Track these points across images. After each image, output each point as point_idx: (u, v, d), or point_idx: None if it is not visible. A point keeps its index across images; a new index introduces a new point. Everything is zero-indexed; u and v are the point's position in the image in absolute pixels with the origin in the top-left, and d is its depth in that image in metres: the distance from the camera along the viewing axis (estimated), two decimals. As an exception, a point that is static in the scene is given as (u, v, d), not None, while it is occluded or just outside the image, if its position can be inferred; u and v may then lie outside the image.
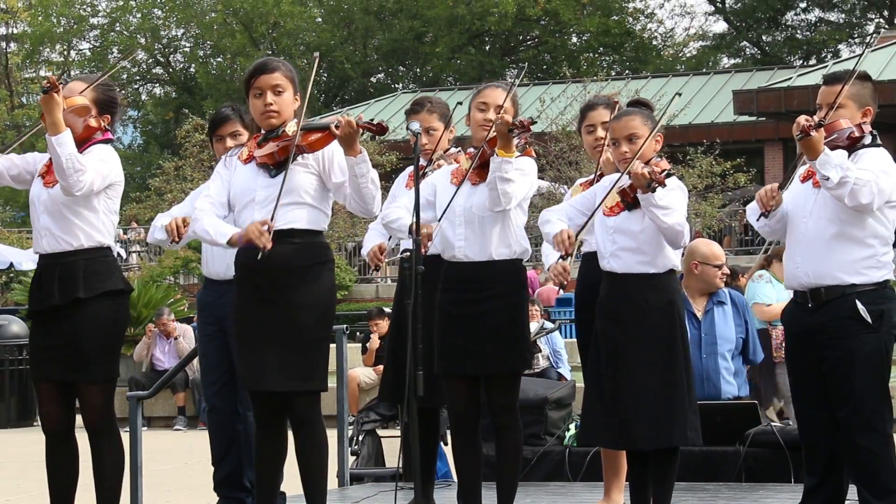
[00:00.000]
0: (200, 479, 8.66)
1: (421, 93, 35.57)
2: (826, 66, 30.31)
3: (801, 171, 5.73)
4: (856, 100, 5.66)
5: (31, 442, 13.00)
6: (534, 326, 14.96)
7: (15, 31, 52.26)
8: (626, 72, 44.18)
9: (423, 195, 5.81)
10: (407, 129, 6.09)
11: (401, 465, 6.80)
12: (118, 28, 51.39)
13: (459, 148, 6.65)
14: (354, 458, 8.84)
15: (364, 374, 15.23)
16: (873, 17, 49.26)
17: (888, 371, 5.66)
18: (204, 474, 7.26)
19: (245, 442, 6.48)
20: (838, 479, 5.68)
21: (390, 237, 6.54)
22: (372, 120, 5.55)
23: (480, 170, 5.89)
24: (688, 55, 50.74)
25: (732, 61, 49.20)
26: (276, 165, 5.51)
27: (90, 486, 5.99)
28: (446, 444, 7.67)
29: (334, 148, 5.51)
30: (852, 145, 5.61)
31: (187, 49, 52.71)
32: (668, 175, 5.62)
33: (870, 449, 5.52)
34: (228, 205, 5.62)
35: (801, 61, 46.52)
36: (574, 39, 49.60)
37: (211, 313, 6.57)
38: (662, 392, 5.67)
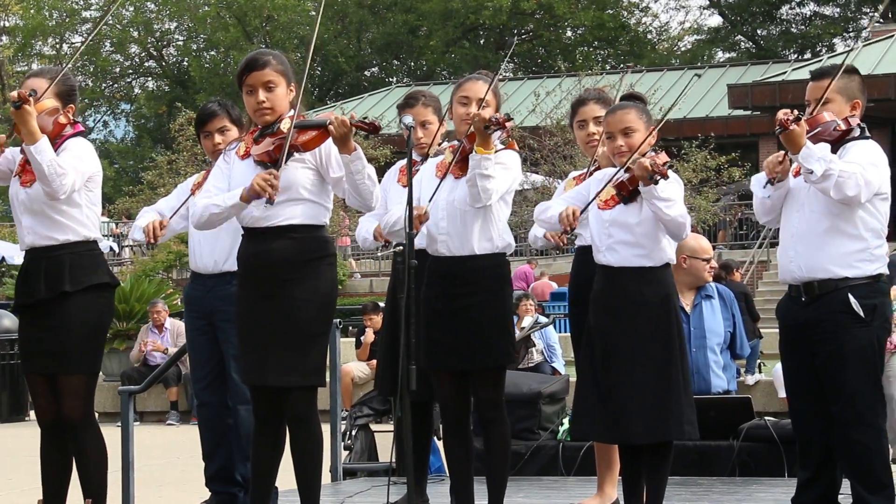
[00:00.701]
0: (193, 474, 8.64)
1: (415, 87, 35.59)
2: (821, 60, 30.34)
3: (794, 165, 5.71)
4: (843, 93, 5.64)
5: (23, 436, 12.99)
6: (528, 321, 14.97)
7: (7, 24, 52.18)
8: (621, 66, 44.18)
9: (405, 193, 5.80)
10: (400, 122, 6.06)
11: (394, 460, 6.79)
12: (111, 21, 51.31)
13: (454, 141, 6.62)
14: (347, 452, 8.82)
15: (358, 368, 15.22)
16: (868, 11, 49.29)
17: (881, 365, 5.65)
18: (196, 469, 7.25)
19: (235, 436, 6.46)
20: (832, 474, 5.67)
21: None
22: (365, 118, 5.53)
23: (462, 164, 5.88)
24: (682, 49, 50.76)
25: (727, 55, 49.23)
26: (272, 162, 5.50)
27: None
28: (440, 438, 7.65)
29: (330, 144, 5.50)
30: (841, 138, 5.59)
31: (180, 43, 52.69)
32: (670, 167, 5.61)
33: (863, 443, 5.52)
34: None
35: (795, 55, 46.59)
36: (569, 33, 49.61)
37: (199, 308, 6.54)
38: (659, 386, 5.65)
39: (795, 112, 5.43)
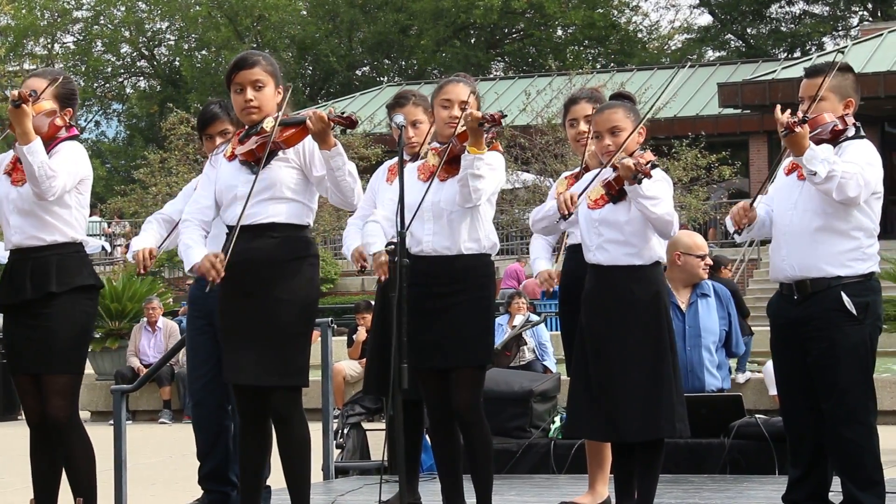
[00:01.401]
0: (185, 473, 8.65)
1: (406, 86, 35.57)
2: (810, 59, 30.38)
3: (785, 163, 5.73)
4: (837, 92, 5.64)
5: (15, 436, 12.98)
6: (519, 319, 14.97)
7: (-2, 24, 52.10)
8: (612, 64, 44.21)
9: (390, 198, 5.81)
10: (391, 121, 6.07)
11: (386, 458, 6.80)
12: (102, 21, 51.27)
13: (434, 144, 6.64)
14: (339, 451, 8.84)
15: (350, 367, 15.22)
16: (857, 9, 49.36)
17: (873, 363, 5.66)
18: (188, 468, 7.26)
19: (234, 436, 6.46)
20: (823, 471, 5.69)
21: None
22: (343, 113, 5.54)
23: (449, 165, 5.89)
24: (673, 48, 50.79)
25: (717, 54, 49.26)
26: (257, 162, 5.51)
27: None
28: (431, 436, 7.67)
29: (308, 140, 5.51)
30: (836, 138, 5.60)
31: (172, 42, 52.62)
32: (654, 166, 5.63)
33: (854, 441, 5.52)
34: (216, 204, 5.62)
35: (785, 54, 46.65)
36: (559, 32, 49.62)
37: (200, 307, 6.55)
38: (650, 384, 5.67)
39: (799, 114, 5.43)
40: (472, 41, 49.74)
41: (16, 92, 5.67)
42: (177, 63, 51.78)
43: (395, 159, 6.41)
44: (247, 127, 5.62)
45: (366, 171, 10.98)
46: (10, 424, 15.77)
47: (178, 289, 24.90)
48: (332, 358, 7.78)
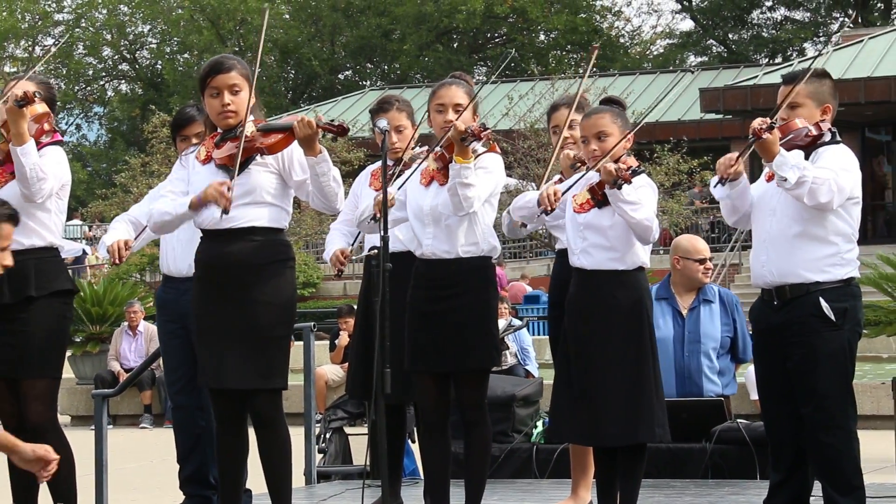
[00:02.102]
0: (166, 478, 8.63)
1: (388, 90, 35.57)
2: (791, 65, 30.47)
3: (767, 170, 5.74)
4: (814, 98, 5.65)
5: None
6: (502, 323, 14.99)
7: (-21, 26, 51.93)
8: (594, 69, 44.25)
9: (392, 190, 5.82)
10: (374, 126, 6.08)
11: (368, 463, 6.80)
12: (84, 24, 51.14)
13: (426, 146, 6.65)
14: (322, 455, 8.82)
15: (332, 371, 15.21)
16: (838, 15, 49.54)
17: (852, 368, 5.67)
18: (170, 472, 7.24)
19: (209, 439, 6.46)
20: (803, 476, 5.70)
21: (354, 241, 6.54)
22: (333, 121, 5.54)
23: (446, 171, 5.91)
24: (655, 53, 50.90)
25: (699, 59, 49.38)
26: (235, 167, 5.50)
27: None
28: (413, 441, 7.67)
29: (294, 146, 5.51)
30: (812, 144, 5.61)
31: (154, 45, 52.52)
32: (636, 173, 5.64)
33: (833, 446, 5.54)
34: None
35: (767, 59, 46.76)
36: (542, 37, 49.67)
37: (172, 311, 6.54)
38: (631, 389, 5.69)
39: (769, 120, 5.44)
40: (455, 46, 49.76)
41: (20, 92, 5.64)
42: (159, 66, 51.68)
43: (378, 164, 6.44)
44: (221, 130, 5.61)
45: (348, 175, 10.96)
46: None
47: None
48: (314, 362, 7.77)
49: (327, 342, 16.33)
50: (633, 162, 5.77)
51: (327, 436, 8.95)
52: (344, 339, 15.19)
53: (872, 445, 7.46)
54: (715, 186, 5.70)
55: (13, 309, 5.82)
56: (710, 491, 7.09)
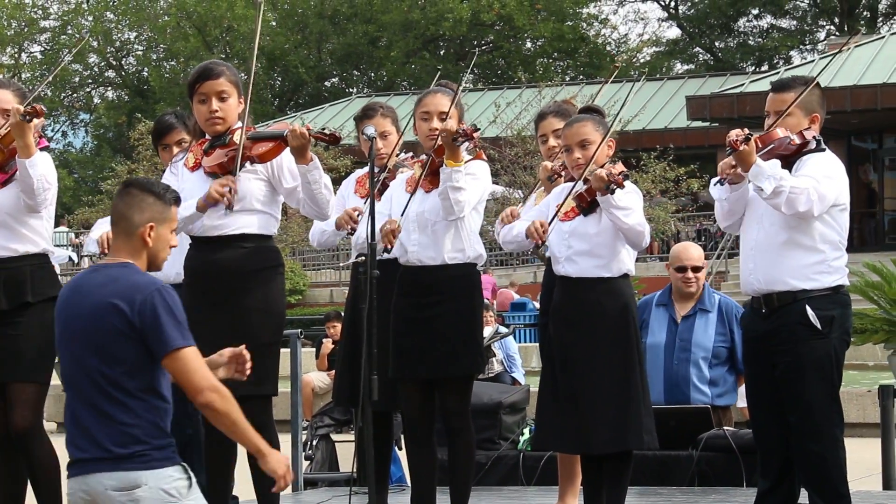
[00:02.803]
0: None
1: (375, 97, 35.58)
2: (778, 73, 30.55)
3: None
4: (803, 107, 5.65)
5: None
6: (488, 331, 14.98)
7: (-35, 33, 51.83)
8: (581, 77, 44.34)
9: (380, 212, 5.82)
10: (362, 133, 6.07)
11: (355, 470, 6.79)
12: (70, 31, 51.06)
13: (411, 153, 6.65)
14: (308, 462, 8.82)
15: (318, 378, 15.17)
16: (824, 24, 49.68)
17: (839, 376, 5.68)
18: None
19: (197, 446, 6.44)
20: (791, 483, 5.70)
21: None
22: (324, 130, 5.54)
23: (432, 177, 5.91)
24: (641, 61, 50.98)
25: (686, 67, 49.48)
26: (225, 174, 5.50)
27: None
28: (400, 448, 7.66)
29: (284, 154, 5.51)
30: (797, 152, 5.61)
31: (140, 52, 52.45)
32: (626, 177, 5.65)
33: (820, 454, 5.54)
34: None
35: (753, 67, 46.90)
36: (528, 45, 49.72)
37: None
38: (618, 396, 5.68)
39: (746, 131, 5.44)
40: (442, 53, 49.79)
41: (31, 106, 5.62)
42: (145, 73, 51.62)
43: (364, 170, 6.44)
44: (209, 138, 5.60)
45: (336, 182, 10.95)
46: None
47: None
48: (301, 369, 7.76)
49: (314, 349, 16.30)
50: (621, 167, 5.77)
51: (314, 443, 8.95)
52: (327, 345, 15.15)
53: (858, 453, 7.46)
54: (715, 185, 5.70)
55: (8, 315, 5.81)
56: (696, 498, 7.09)
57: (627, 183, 5.67)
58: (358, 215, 6.26)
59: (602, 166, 5.74)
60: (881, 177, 31.04)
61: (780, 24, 50.19)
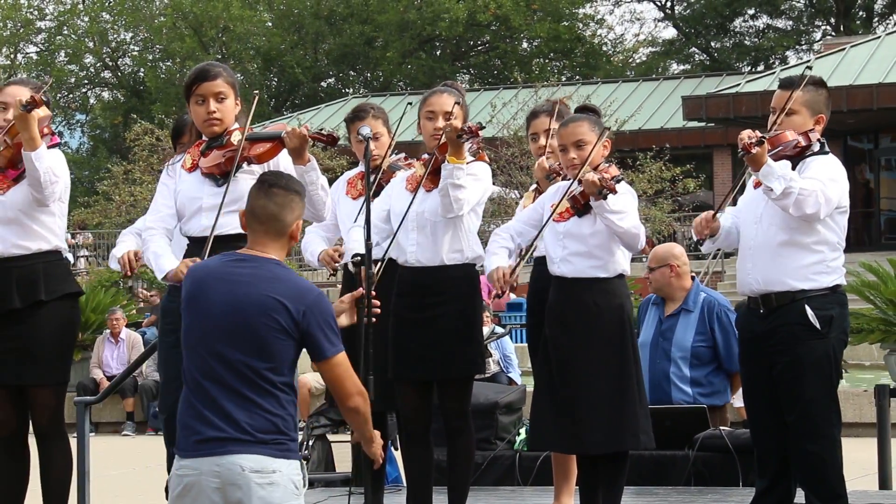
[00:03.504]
0: (149, 485, 8.61)
1: (371, 97, 35.59)
2: (773, 73, 30.56)
3: (755, 176, 5.75)
4: (809, 106, 5.67)
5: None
6: (485, 331, 14.98)
7: (-39, 34, 51.80)
8: (577, 77, 44.35)
9: (379, 208, 5.81)
10: (356, 134, 6.07)
11: (351, 470, 6.79)
12: (66, 31, 51.03)
13: (403, 153, 6.64)
14: (305, 462, 8.80)
15: (314, 378, 15.17)
16: (820, 24, 49.70)
17: (837, 376, 5.68)
18: (152, 480, 7.23)
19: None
20: (788, 483, 5.71)
21: (340, 239, 6.51)
22: (322, 130, 5.54)
23: (433, 176, 5.91)
24: (637, 61, 50.99)
25: (682, 67, 49.48)
26: (223, 175, 5.50)
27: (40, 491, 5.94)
28: (396, 448, 7.66)
29: (281, 155, 5.50)
30: (801, 153, 5.62)
31: (136, 53, 52.42)
32: (619, 180, 5.65)
33: (817, 454, 5.55)
34: (177, 214, 5.60)
35: (749, 67, 46.90)
36: (525, 45, 49.72)
37: (174, 321, 6.50)
38: (614, 396, 5.68)
39: (758, 134, 5.45)
40: (438, 53, 49.77)
41: (30, 96, 5.60)
42: (141, 74, 51.58)
43: (353, 172, 6.46)
44: (206, 139, 5.60)
45: (331, 183, 10.96)
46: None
47: (141, 300, 24.79)
48: (296, 370, 7.74)
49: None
50: (614, 171, 5.76)
51: (310, 443, 8.94)
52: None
53: (855, 453, 7.47)
54: (700, 244, 5.77)
55: (21, 314, 5.79)
56: (692, 498, 7.09)
57: (621, 185, 5.67)
58: (339, 256, 6.28)
59: (597, 167, 5.73)
60: (877, 177, 31.07)
61: (776, 24, 50.20)
